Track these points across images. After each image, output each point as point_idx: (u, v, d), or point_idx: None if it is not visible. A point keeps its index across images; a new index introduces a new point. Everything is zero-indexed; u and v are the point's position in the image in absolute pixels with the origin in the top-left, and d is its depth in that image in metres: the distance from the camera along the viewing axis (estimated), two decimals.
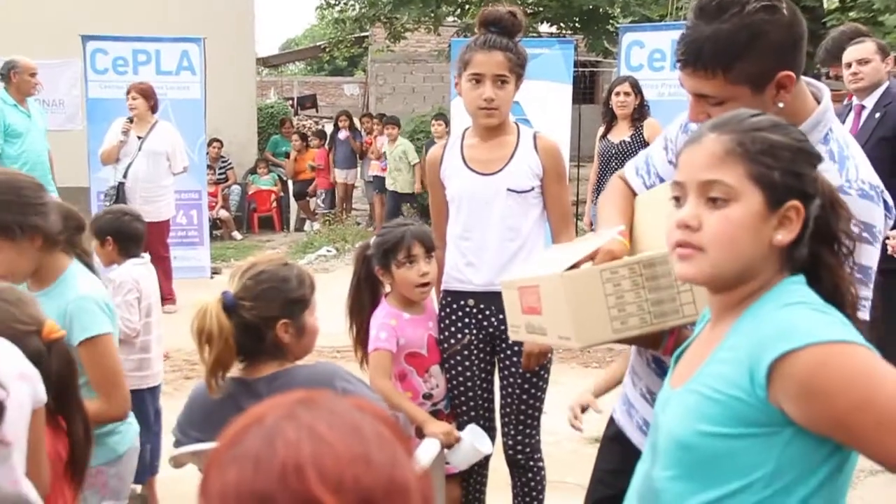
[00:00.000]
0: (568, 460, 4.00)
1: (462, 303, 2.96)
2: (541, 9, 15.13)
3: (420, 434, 2.77)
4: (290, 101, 20.70)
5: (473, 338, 2.96)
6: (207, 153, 10.82)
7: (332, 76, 29.38)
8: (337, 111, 14.09)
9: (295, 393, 0.86)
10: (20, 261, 2.26)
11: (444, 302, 3.01)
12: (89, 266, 2.58)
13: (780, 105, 1.67)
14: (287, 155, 12.69)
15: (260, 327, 2.10)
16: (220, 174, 11.74)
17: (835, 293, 1.36)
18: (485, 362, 3.01)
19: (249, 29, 12.79)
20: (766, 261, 1.34)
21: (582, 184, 9.96)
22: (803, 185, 1.34)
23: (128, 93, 6.80)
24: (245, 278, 2.11)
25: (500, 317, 2.85)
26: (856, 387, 1.22)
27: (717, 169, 1.33)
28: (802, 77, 1.75)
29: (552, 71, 7.70)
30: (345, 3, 16.91)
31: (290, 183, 12.57)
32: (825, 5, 13.13)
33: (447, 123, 9.51)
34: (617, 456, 2.14)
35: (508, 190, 2.86)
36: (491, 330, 2.96)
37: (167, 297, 6.33)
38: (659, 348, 1.83)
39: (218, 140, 11.40)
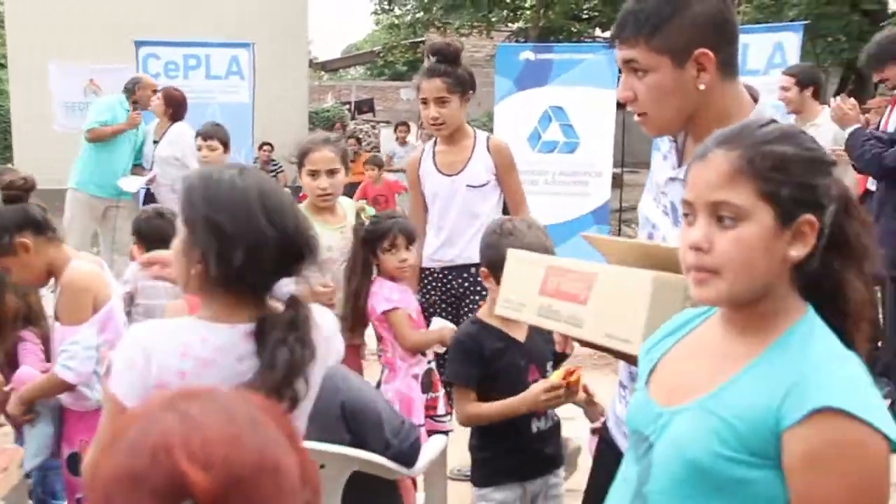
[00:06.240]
0: (588, 467, 3.95)
1: (435, 275, 3.70)
2: (596, 14, 15.07)
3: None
4: (348, 106, 20.94)
5: (439, 300, 3.68)
6: (258, 157, 11.03)
7: (392, 81, 29.61)
8: (393, 116, 14.08)
9: (183, 387, 0.96)
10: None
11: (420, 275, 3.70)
12: None
13: (702, 87, 1.72)
14: None
15: None
16: (271, 175, 11.93)
17: (835, 300, 1.32)
18: (450, 318, 3.55)
19: (302, 33, 13.00)
20: (781, 276, 1.31)
21: (628, 189, 9.85)
22: (817, 197, 1.29)
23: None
24: None
25: (466, 284, 3.62)
26: (848, 486, 1.20)
27: (725, 189, 1.29)
28: (741, 81, 1.81)
29: (595, 77, 7.61)
30: (399, 8, 17.05)
31: None
32: (888, 9, 12.78)
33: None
34: (613, 461, 2.13)
35: (468, 186, 3.65)
36: (453, 293, 3.68)
37: None
38: None
39: (268, 143, 11.58)
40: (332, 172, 3.35)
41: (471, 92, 3.63)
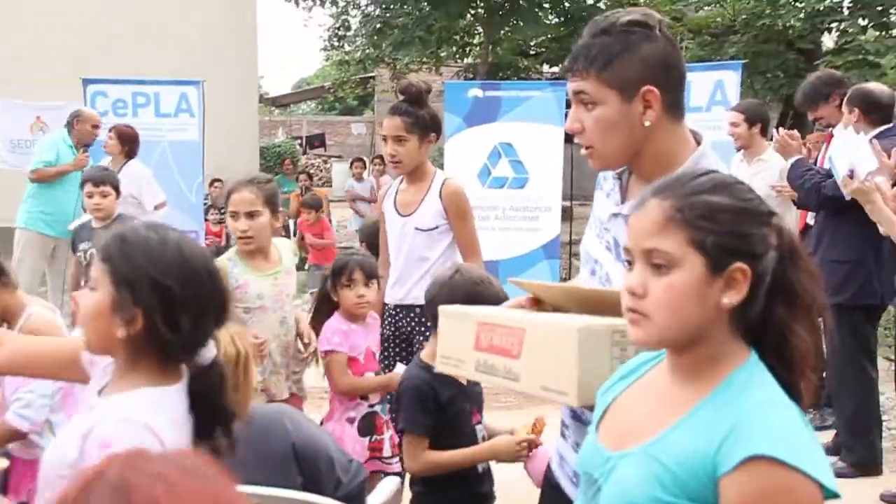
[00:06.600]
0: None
1: (389, 311, 3.70)
2: (542, 50, 15.34)
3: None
4: (299, 141, 20.87)
5: (392, 335, 3.66)
6: (209, 194, 10.96)
7: (343, 115, 29.64)
8: (345, 150, 14.10)
9: (123, 451, 0.93)
10: None
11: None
12: None
13: (647, 123, 1.79)
14: (286, 195, 12.73)
15: None
16: (222, 214, 11.85)
17: (779, 348, 1.36)
18: (404, 353, 3.61)
19: (253, 70, 12.99)
20: (716, 322, 1.35)
21: (578, 222, 9.99)
22: (750, 246, 1.33)
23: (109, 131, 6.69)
24: None
25: (413, 324, 3.59)
26: None
27: (657, 236, 1.35)
28: (687, 126, 1.89)
29: (543, 113, 7.75)
30: (348, 44, 17.16)
31: (291, 223, 12.64)
32: (822, 48, 13.23)
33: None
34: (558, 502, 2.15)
35: (416, 229, 3.60)
36: (402, 330, 3.66)
37: None
38: None
39: (219, 180, 11.50)
40: (251, 215, 3.24)
41: (433, 134, 3.61)
